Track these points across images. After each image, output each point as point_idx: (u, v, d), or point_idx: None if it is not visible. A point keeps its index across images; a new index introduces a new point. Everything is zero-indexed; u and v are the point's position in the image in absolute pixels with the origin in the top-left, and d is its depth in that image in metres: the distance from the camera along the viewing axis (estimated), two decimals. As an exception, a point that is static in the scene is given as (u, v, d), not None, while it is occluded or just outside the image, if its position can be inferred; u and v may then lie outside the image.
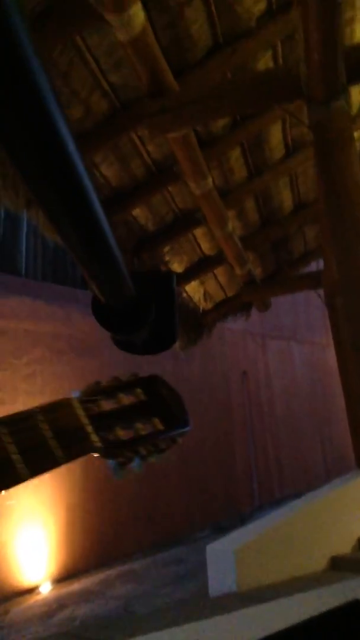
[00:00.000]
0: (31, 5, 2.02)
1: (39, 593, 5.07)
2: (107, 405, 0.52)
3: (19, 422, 0.44)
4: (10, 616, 4.27)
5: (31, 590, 5.06)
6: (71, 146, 0.27)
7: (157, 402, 0.56)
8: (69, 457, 0.46)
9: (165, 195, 3.44)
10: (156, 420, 0.55)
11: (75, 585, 5.22)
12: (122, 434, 0.51)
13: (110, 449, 0.50)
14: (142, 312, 0.42)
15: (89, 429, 0.49)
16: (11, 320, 5.39)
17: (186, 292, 4.46)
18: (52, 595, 5.02)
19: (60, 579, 5.34)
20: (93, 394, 0.52)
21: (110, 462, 0.51)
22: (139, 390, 0.56)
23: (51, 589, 5.16)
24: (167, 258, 3.96)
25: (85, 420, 0.49)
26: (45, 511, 5.34)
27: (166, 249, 3.88)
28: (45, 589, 5.13)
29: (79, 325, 5.99)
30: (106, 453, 0.50)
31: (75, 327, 5.95)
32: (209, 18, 2.43)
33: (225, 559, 3.68)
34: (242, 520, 7.17)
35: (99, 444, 0.48)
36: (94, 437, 0.48)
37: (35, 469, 0.43)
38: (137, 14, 1.94)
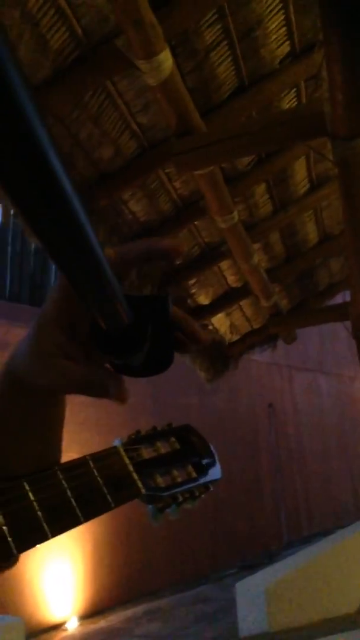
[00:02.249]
0: (65, 54, 2.14)
1: (65, 629, 5.00)
2: (146, 453, 0.56)
3: (75, 468, 0.48)
4: (35, 653, 4.22)
5: (58, 627, 5.00)
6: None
7: (189, 450, 0.61)
8: (118, 502, 0.49)
9: (192, 230, 3.51)
10: (190, 468, 0.59)
11: (102, 622, 5.14)
12: (160, 481, 0.55)
13: (152, 495, 0.53)
14: (138, 335, 0.43)
15: (135, 476, 0.52)
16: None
17: (212, 324, 4.48)
18: (78, 632, 4.94)
19: (87, 615, 5.26)
20: (135, 442, 0.57)
21: (150, 507, 0.54)
22: (173, 439, 0.60)
23: (77, 625, 5.08)
24: (193, 290, 4.00)
25: (131, 467, 0.52)
26: (72, 547, 5.30)
27: (192, 281, 3.93)
28: (72, 626, 5.05)
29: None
30: (148, 499, 0.53)
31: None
32: (234, 61, 2.52)
33: (255, 597, 3.59)
34: (270, 557, 7.00)
35: (143, 490, 0.52)
36: (139, 484, 0.52)
37: (89, 513, 0.46)
38: (166, 59, 2.03)
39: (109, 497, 0.48)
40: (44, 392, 0.49)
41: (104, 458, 0.51)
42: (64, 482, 0.46)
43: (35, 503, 0.44)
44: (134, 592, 5.83)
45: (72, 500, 0.45)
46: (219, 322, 4.55)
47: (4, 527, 0.41)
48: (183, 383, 6.87)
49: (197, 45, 2.35)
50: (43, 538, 0.43)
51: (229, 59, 2.51)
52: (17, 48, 2.04)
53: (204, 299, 4.12)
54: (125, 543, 5.87)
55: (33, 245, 5.87)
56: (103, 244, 0.33)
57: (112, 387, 0.45)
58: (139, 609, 5.42)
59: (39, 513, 0.43)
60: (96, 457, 0.50)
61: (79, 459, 0.50)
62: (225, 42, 2.43)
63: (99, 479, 0.48)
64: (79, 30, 2.08)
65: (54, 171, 0.25)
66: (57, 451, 0.54)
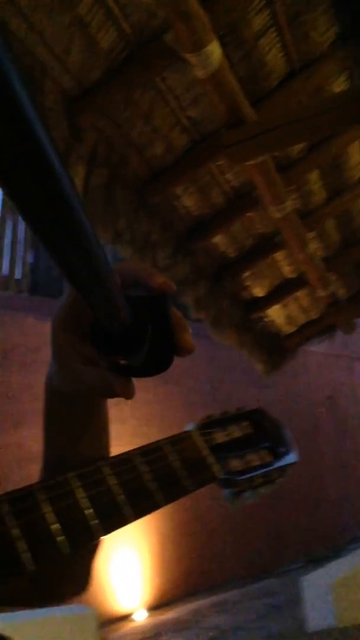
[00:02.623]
0: (115, 54, 2.17)
1: (133, 620, 5.10)
2: (220, 437, 0.55)
3: (150, 452, 0.48)
4: (105, 643, 4.32)
5: (125, 618, 5.10)
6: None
7: (262, 434, 0.60)
8: (195, 486, 0.48)
9: (245, 221, 3.48)
10: (264, 452, 0.58)
11: (169, 614, 5.20)
12: (235, 464, 0.54)
13: (228, 480, 0.52)
14: (138, 335, 0.43)
15: (210, 459, 0.51)
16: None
17: (268, 316, 4.43)
18: (146, 623, 5.03)
19: (153, 607, 5.35)
20: (207, 426, 0.56)
21: (227, 492, 0.54)
22: (245, 423, 0.59)
23: (145, 617, 5.17)
24: (248, 283, 3.97)
25: (206, 451, 0.52)
26: (138, 540, 5.39)
27: (247, 274, 3.90)
28: (139, 617, 5.15)
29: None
30: (224, 483, 0.53)
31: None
32: (283, 46, 2.48)
33: (322, 592, 3.54)
34: (335, 552, 6.87)
35: (220, 474, 0.51)
36: (215, 467, 0.51)
37: (167, 497, 0.46)
38: (214, 50, 2.02)
39: (185, 481, 0.48)
40: (77, 398, 0.52)
41: (178, 442, 0.51)
42: (140, 465, 0.47)
43: (115, 487, 0.44)
44: (200, 585, 5.87)
45: (150, 483, 0.46)
46: (275, 313, 4.50)
47: (89, 510, 0.42)
48: (241, 377, 6.84)
49: (245, 34, 2.32)
50: (124, 521, 0.44)
51: (278, 45, 2.47)
52: (69, 52, 2.09)
53: (259, 291, 4.08)
54: (189, 536, 5.91)
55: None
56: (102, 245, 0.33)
57: (118, 386, 0.47)
58: (205, 602, 5.46)
59: (120, 496, 0.44)
60: (170, 441, 0.50)
61: (153, 443, 0.50)
62: (273, 28, 2.39)
63: (174, 462, 0.48)
64: (128, 29, 2.10)
65: (53, 170, 0.25)
66: (108, 451, 0.57)
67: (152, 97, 2.41)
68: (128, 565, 5.24)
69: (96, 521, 0.41)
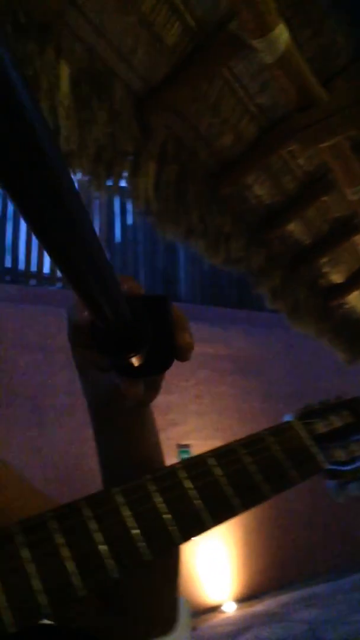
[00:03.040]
0: (181, 49, 2.17)
1: (222, 612, 5.13)
2: (321, 427, 0.54)
3: (253, 444, 0.47)
4: (198, 633, 4.38)
5: (215, 609, 5.15)
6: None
7: None
8: (301, 478, 0.47)
9: (319, 206, 3.38)
10: None
11: (259, 607, 5.19)
12: (339, 455, 0.52)
13: (333, 470, 0.51)
14: (138, 335, 0.42)
15: (314, 449, 0.50)
16: (176, 345, 5.65)
17: (348, 302, 4.29)
18: (236, 615, 5.05)
19: (242, 599, 5.35)
20: (307, 416, 0.54)
21: (331, 483, 0.52)
22: (346, 412, 0.57)
23: (235, 608, 5.19)
24: (325, 269, 3.86)
25: (309, 441, 0.51)
26: (223, 533, 5.41)
27: (324, 260, 3.79)
28: (229, 608, 5.17)
29: (240, 346, 6.07)
30: (329, 474, 0.51)
31: (236, 348, 6.04)
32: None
33: None
34: None
35: (325, 465, 0.50)
36: (320, 458, 0.50)
37: (274, 489, 0.45)
38: (281, 33, 1.97)
39: (292, 472, 0.47)
40: (112, 407, 0.52)
41: (280, 432, 0.49)
42: (245, 457, 0.46)
43: (221, 478, 0.44)
44: (288, 579, 5.81)
45: (256, 475, 0.45)
46: (356, 300, 4.34)
47: (198, 501, 0.42)
48: (322, 365, 6.67)
49: (312, 13, 2.25)
50: (233, 513, 0.44)
51: (346, 22, 2.37)
52: (135, 52, 2.11)
53: (337, 278, 3.96)
54: (277, 529, 5.86)
55: (162, 244, 6.07)
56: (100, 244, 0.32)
57: (124, 387, 0.46)
58: (295, 595, 5.40)
59: (227, 488, 0.44)
60: (272, 431, 0.49)
61: (255, 434, 0.49)
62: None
63: (278, 453, 0.48)
64: (192, 23, 2.09)
65: (52, 167, 0.25)
66: (160, 453, 0.57)
67: (220, 88, 2.39)
68: (216, 557, 5.28)
69: (207, 513, 0.41)
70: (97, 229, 5.94)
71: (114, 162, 2.22)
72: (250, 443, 0.47)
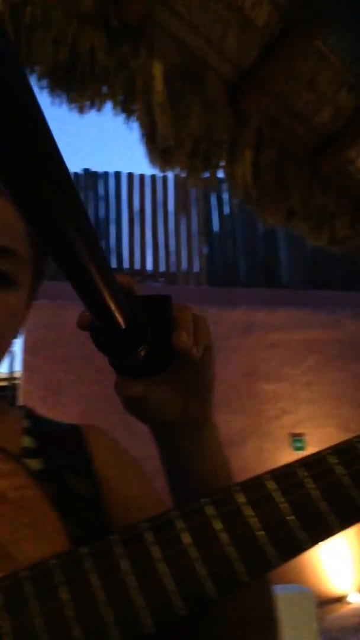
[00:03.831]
0: (271, 29, 2.10)
1: (347, 603, 5.01)
2: None
3: (347, 451, 0.43)
4: (323, 624, 4.30)
5: (339, 600, 5.03)
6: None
7: None
8: None
9: None
10: None
11: (386, 599, 4.99)
12: None
13: None
14: (138, 335, 0.41)
15: None
16: (282, 332, 5.55)
17: None
18: (362, 606, 4.89)
19: (367, 591, 5.18)
20: None
21: None
22: None
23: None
24: None
25: None
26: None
27: None
28: (354, 599, 5.03)
29: (349, 329, 5.82)
30: None
31: (345, 332, 5.81)
32: None
33: None
34: None
35: None
36: None
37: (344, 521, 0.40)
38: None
39: None
40: (167, 427, 0.51)
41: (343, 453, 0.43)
42: (336, 467, 0.43)
43: (315, 491, 0.41)
44: None
45: (354, 488, 0.42)
46: None
47: (291, 517, 0.40)
48: None
49: None
50: (330, 533, 0.41)
51: None
52: (224, 39, 2.08)
53: None
54: None
55: (261, 231, 5.98)
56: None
57: (119, 386, 0.46)
58: None
59: (322, 503, 0.41)
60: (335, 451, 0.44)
61: (347, 440, 0.45)
62: None
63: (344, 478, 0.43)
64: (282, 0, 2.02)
65: (52, 161, 0.25)
66: (220, 476, 0.55)
67: (315, 63, 2.29)
68: (340, 548, 5.15)
69: (303, 530, 0.39)
70: (194, 222, 5.95)
71: (210, 153, 2.21)
72: (342, 451, 0.43)
